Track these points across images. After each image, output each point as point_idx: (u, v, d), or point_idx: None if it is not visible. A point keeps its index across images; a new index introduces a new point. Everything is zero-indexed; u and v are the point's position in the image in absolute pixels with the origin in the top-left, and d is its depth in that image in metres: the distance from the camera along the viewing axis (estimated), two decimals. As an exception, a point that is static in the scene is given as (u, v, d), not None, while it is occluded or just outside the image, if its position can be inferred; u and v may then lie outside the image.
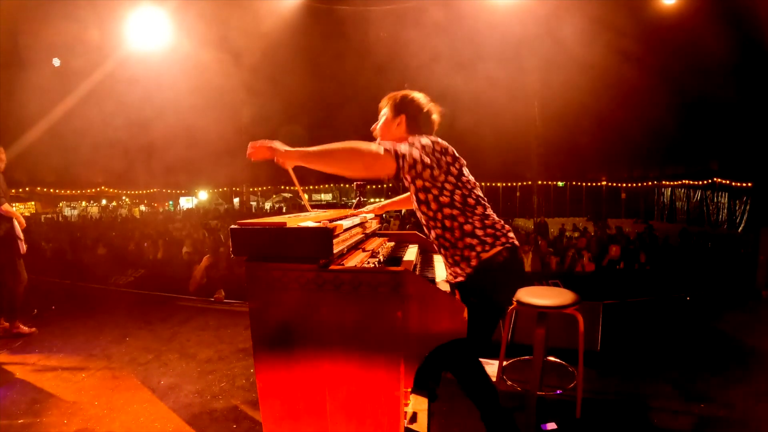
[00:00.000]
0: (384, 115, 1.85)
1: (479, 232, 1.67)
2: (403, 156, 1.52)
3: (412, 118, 1.79)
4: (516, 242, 1.73)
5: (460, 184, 1.67)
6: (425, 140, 1.63)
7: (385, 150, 1.50)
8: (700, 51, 9.76)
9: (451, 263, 1.74)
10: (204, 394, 2.72)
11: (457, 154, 1.70)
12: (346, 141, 1.50)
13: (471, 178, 1.73)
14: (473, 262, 1.66)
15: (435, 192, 1.66)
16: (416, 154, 1.55)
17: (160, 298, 5.14)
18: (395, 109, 1.81)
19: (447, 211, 1.67)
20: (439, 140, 1.68)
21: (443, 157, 1.63)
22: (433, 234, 1.75)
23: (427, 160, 1.57)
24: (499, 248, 1.66)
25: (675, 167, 17.47)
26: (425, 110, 1.81)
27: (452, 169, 1.65)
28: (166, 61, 9.29)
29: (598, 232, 9.21)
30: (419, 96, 1.83)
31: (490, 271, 1.66)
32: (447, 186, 1.65)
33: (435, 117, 1.84)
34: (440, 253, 1.77)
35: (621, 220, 16.30)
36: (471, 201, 1.68)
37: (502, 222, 1.76)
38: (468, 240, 1.66)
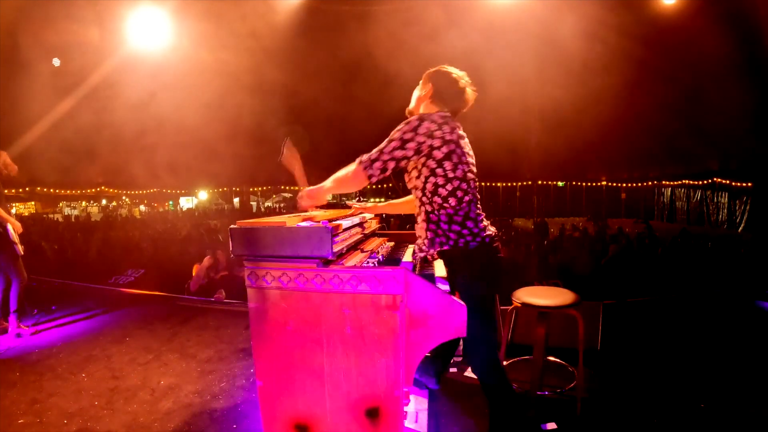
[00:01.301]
0: (418, 86, 1.94)
1: (444, 226, 1.75)
2: (370, 165, 1.69)
3: (438, 90, 1.85)
4: (487, 239, 1.77)
5: (439, 171, 1.71)
6: (407, 126, 1.69)
7: (357, 165, 1.70)
8: (701, 51, 9.76)
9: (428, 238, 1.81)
10: (204, 394, 2.72)
11: (452, 138, 1.71)
12: (342, 170, 1.75)
13: (466, 166, 1.75)
14: (443, 247, 1.77)
15: (416, 173, 1.77)
16: (385, 156, 1.68)
17: (160, 298, 5.13)
18: (427, 78, 1.90)
19: (418, 194, 1.79)
20: (429, 121, 1.69)
21: (427, 140, 1.68)
22: (417, 205, 1.85)
23: (399, 153, 1.68)
24: (462, 243, 1.74)
25: (675, 167, 17.46)
26: (454, 85, 1.84)
27: (435, 153, 1.69)
28: (167, 61, 9.29)
29: (598, 232, 9.21)
30: (454, 71, 1.87)
31: (453, 263, 1.80)
32: (424, 171, 1.73)
33: (468, 95, 1.87)
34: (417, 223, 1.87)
35: (621, 220, 16.30)
36: (443, 192, 1.72)
37: (478, 216, 1.78)
38: (432, 227, 1.77)
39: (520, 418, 1.81)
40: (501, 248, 1.85)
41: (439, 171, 1.71)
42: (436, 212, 1.75)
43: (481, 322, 1.70)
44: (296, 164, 1.90)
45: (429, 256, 1.82)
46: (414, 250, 1.91)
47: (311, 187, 1.83)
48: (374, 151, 1.72)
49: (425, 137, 1.67)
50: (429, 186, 1.73)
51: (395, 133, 1.71)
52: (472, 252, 1.74)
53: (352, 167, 1.73)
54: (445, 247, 1.75)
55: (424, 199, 1.77)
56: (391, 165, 1.69)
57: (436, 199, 1.73)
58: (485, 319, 1.76)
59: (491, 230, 1.81)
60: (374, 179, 1.70)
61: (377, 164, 1.69)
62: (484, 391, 1.82)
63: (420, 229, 1.83)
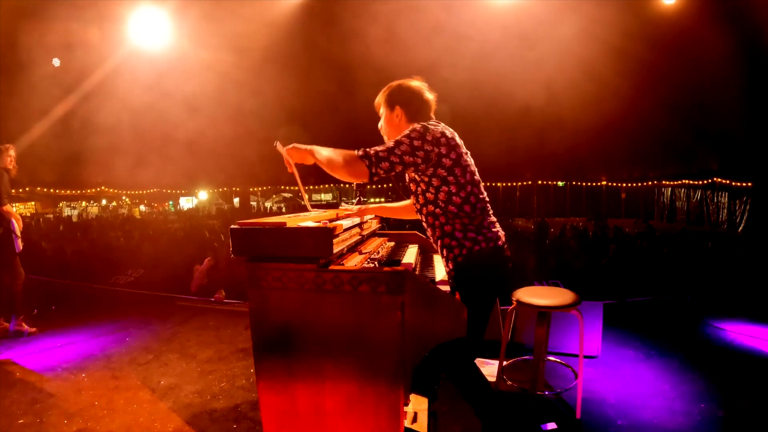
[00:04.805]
0: (382, 114, 1.87)
1: (459, 235, 1.68)
2: (376, 162, 1.56)
3: (408, 105, 1.79)
4: (500, 242, 1.72)
5: (451, 179, 1.65)
6: (414, 132, 1.62)
7: (359, 156, 1.57)
8: (701, 51, 9.76)
9: (443, 255, 1.78)
10: (204, 394, 2.72)
11: (455, 142, 1.68)
12: (344, 150, 1.60)
13: (471, 167, 1.72)
14: (457, 260, 1.69)
15: (423, 186, 1.70)
16: (394, 158, 1.58)
17: (160, 298, 5.14)
18: (389, 103, 1.82)
19: (430, 208, 1.71)
20: (432, 128, 1.65)
21: (435, 149, 1.62)
22: (424, 223, 1.81)
23: (409, 159, 1.59)
24: (477, 250, 1.66)
25: (675, 167, 17.45)
26: (418, 94, 1.79)
27: (444, 161, 1.64)
28: (167, 61, 9.30)
29: (597, 232, 9.20)
30: (408, 82, 1.82)
31: (467, 270, 1.68)
32: (434, 182, 1.66)
33: (429, 96, 1.81)
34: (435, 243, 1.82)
35: (621, 220, 16.29)
36: (457, 200, 1.67)
37: (491, 223, 1.73)
38: (447, 240, 1.70)
39: (506, 420, 1.78)
40: (508, 252, 1.79)
41: (450, 178, 1.65)
42: (450, 222, 1.68)
43: (474, 326, 1.64)
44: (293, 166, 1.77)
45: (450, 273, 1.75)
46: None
47: (305, 147, 1.64)
48: (380, 148, 1.59)
49: (433, 145, 1.61)
50: (442, 195, 1.66)
51: (403, 138, 1.61)
52: (484, 257, 1.67)
53: (353, 154, 1.58)
54: (459, 259, 1.67)
55: (437, 211, 1.69)
56: (398, 168, 1.59)
57: (451, 208, 1.66)
58: (480, 324, 1.71)
59: (502, 235, 1.76)
60: (375, 179, 1.58)
61: (385, 164, 1.56)
62: (458, 390, 1.77)
63: (438, 245, 1.77)
